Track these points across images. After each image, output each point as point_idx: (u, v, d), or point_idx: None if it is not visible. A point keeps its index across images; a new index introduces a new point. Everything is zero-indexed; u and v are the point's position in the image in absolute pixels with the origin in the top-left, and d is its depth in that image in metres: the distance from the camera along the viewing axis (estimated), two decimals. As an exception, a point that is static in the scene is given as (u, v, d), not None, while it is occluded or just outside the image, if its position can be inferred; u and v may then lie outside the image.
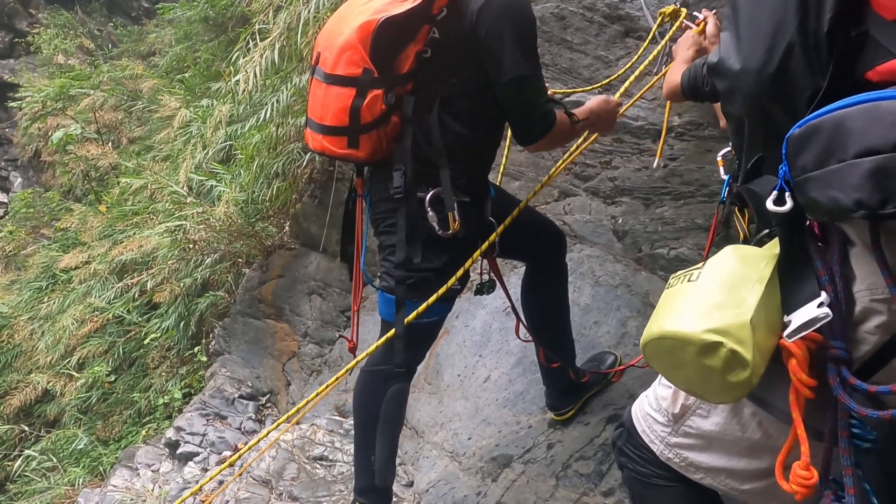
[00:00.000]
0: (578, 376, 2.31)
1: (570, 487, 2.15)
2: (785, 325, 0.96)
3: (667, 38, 2.31)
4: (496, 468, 2.37)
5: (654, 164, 2.50)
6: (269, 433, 2.54)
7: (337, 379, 2.07)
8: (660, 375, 1.30)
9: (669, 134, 2.62)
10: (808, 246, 0.98)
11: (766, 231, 1.08)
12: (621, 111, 2.34)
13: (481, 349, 2.91)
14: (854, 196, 0.84)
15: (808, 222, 0.98)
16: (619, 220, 2.77)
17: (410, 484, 2.70)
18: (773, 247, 1.02)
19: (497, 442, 2.48)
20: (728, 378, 0.96)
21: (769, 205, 0.96)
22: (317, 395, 2.11)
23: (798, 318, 0.94)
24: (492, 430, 2.54)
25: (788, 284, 0.98)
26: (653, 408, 1.26)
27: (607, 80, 2.57)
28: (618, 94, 2.56)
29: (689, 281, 1.03)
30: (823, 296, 0.93)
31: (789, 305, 0.96)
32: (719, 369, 0.96)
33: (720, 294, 0.98)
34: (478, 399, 2.72)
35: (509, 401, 2.61)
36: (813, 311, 0.93)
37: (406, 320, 1.92)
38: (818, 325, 0.93)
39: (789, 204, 0.95)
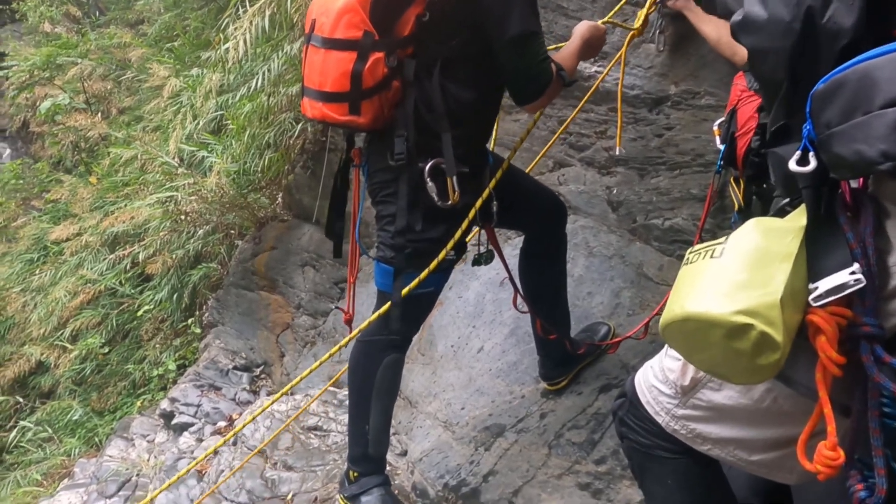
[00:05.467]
0: (574, 347, 2.32)
1: (563, 456, 2.16)
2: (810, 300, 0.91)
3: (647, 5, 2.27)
4: (489, 437, 2.39)
5: (617, 152, 2.48)
6: (268, 407, 2.55)
7: (338, 348, 2.06)
8: (666, 347, 1.28)
9: (665, 103, 2.59)
10: (837, 216, 0.93)
11: (788, 200, 1.03)
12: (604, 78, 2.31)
13: (475, 320, 2.91)
14: (880, 147, 0.80)
15: (838, 190, 0.94)
16: (614, 191, 2.75)
17: (404, 453, 2.72)
18: (797, 218, 0.97)
19: (490, 412, 2.49)
20: (757, 361, 0.92)
21: (791, 165, 0.92)
22: (319, 363, 2.08)
23: (826, 283, 0.89)
24: (485, 400, 2.55)
25: (815, 255, 0.93)
26: (658, 379, 1.24)
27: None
28: (610, 65, 2.53)
29: (711, 257, 0.97)
30: (855, 266, 0.89)
31: (815, 274, 0.92)
32: (748, 352, 0.91)
33: (747, 272, 0.93)
34: (471, 369, 2.72)
35: (502, 371, 2.62)
36: (844, 276, 0.88)
37: (403, 291, 1.91)
38: (847, 292, 0.88)
39: (813, 164, 0.91)
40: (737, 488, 1.46)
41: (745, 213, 2.10)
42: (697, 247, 1.03)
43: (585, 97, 2.57)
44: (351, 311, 2.27)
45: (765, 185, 1.94)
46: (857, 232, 0.91)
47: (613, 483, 2.01)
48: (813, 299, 0.90)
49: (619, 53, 2.40)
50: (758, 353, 0.91)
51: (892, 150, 0.80)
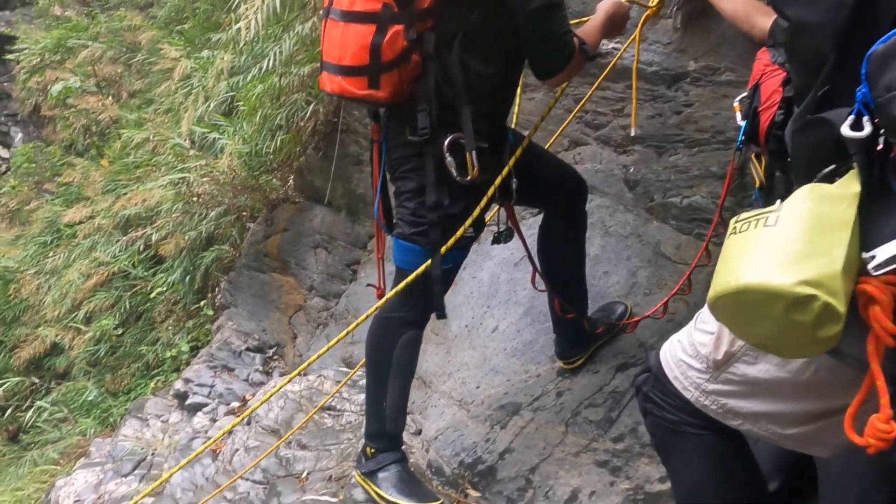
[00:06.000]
0: (593, 327, 2.31)
1: (580, 434, 2.16)
2: (862, 268, 0.89)
3: None
4: (505, 416, 2.39)
5: (633, 132, 2.45)
6: (282, 387, 2.56)
7: (355, 325, 2.06)
8: (696, 320, 1.26)
9: (684, 80, 2.55)
10: (889, 180, 0.90)
11: (833, 167, 0.99)
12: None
13: (489, 300, 2.90)
14: None
15: (891, 154, 0.90)
16: (631, 169, 2.72)
17: (419, 432, 2.72)
18: (850, 185, 0.93)
19: (506, 390, 2.49)
20: (817, 333, 0.88)
21: (845, 130, 0.89)
22: (336, 341, 2.09)
23: (886, 251, 0.86)
24: (500, 379, 2.55)
25: (868, 222, 0.90)
26: (688, 354, 1.22)
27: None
28: (627, 42, 2.49)
29: (764, 226, 0.93)
30: None
31: (869, 243, 0.89)
32: (809, 324, 0.87)
33: (806, 240, 0.89)
34: (486, 349, 2.72)
35: (517, 350, 2.61)
36: None
37: (420, 268, 1.90)
38: None
39: (868, 128, 0.88)
40: (760, 460, 1.45)
41: (767, 190, 2.07)
42: (745, 215, 0.98)
43: (602, 75, 2.54)
44: (382, 286, 2.26)
45: (789, 160, 1.90)
46: None
47: (632, 461, 2.00)
48: (873, 268, 0.87)
49: (635, 31, 2.37)
50: (819, 326, 0.87)
51: None
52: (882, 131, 0.89)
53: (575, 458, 2.10)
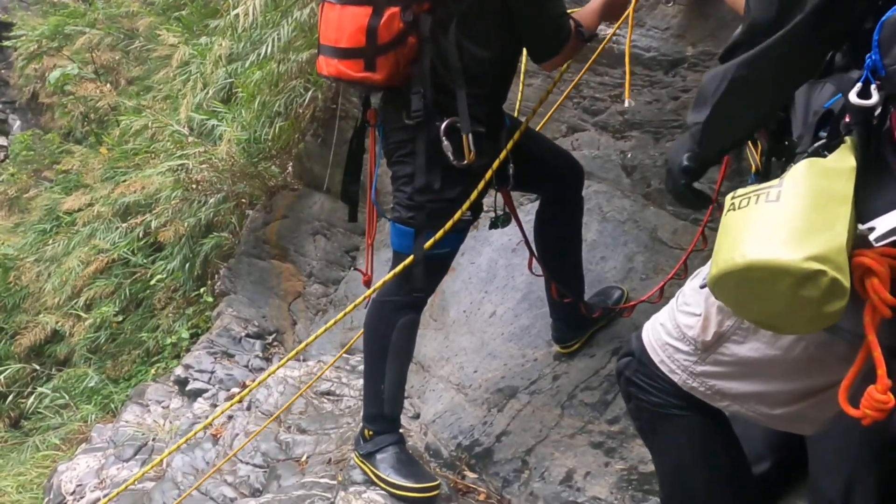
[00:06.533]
0: (589, 311, 2.33)
1: (576, 416, 2.18)
2: (859, 240, 0.89)
3: None
4: (502, 399, 2.41)
5: (626, 104, 2.44)
6: (276, 370, 2.58)
7: (352, 307, 2.08)
8: (676, 302, 1.26)
9: (682, 65, 2.55)
10: (884, 153, 0.89)
11: (823, 142, 0.98)
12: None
13: (487, 285, 2.91)
14: None
15: (886, 125, 0.90)
16: (629, 155, 2.73)
17: (417, 416, 2.75)
18: (844, 158, 0.92)
19: (503, 374, 2.51)
20: (823, 309, 0.87)
21: (852, 98, 0.88)
22: (325, 329, 2.13)
23: (884, 223, 0.86)
24: (497, 363, 2.57)
25: (863, 194, 0.89)
26: (673, 337, 1.21)
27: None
28: (618, 23, 2.49)
29: (766, 201, 0.91)
30: None
31: (865, 215, 0.89)
32: (816, 300, 0.86)
33: (811, 215, 0.87)
34: (483, 334, 2.74)
35: (515, 335, 2.63)
36: None
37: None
38: None
39: (875, 97, 0.87)
40: (752, 440, 1.47)
41: (763, 175, 2.08)
42: (742, 191, 0.96)
43: (593, 57, 2.53)
44: (370, 273, 2.28)
45: (787, 143, 1.91)
46: None
47: (626, 442, 2.02)
48: (875, 239, 0.87)
49: (627, 11, 2.37)
50: (826, 301, 0.87)
51: None
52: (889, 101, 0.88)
53: (570, 440, 2.12)
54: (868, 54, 0.87)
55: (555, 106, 2.72)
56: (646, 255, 2.58)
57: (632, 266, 2.59)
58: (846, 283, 0.85)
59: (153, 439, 3.92)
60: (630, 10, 2.35)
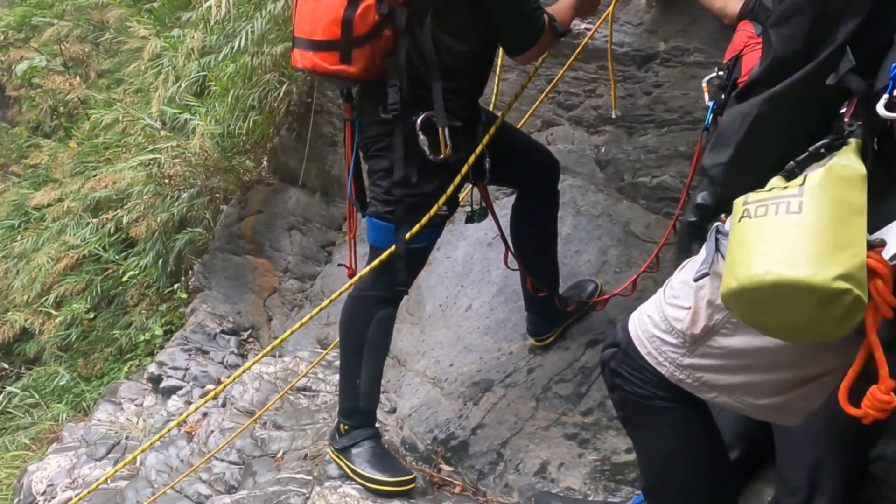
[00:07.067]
0: (564, 304, 2.34)
1: (550, 408, 2.20)
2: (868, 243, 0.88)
3: None
4: (478, 392, 2.42)
5: (613, 115, 2.49)
6: (253, 364, 2.56)
7: (328, 302, 2.07)
8: (663, 294, 1.25)
9: (654, 60, 2.58)
10: (891, 158, 0.89)
11: (825, 142, 0.96)
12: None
13: (463, 279, 2.92)
14: None
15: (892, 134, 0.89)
16: (602, 150, 2.76)
17: (393, 410, 2.75)
18: (853, 166, 0.90)
19: (478, 368, 2.52)
20: (844, 323, 0.87)
21: (880, 110, 0.86)
22: (301, 324, 2.12)
23: None
24: (473, 357, 2.58)
25: (870, 198, 0.88)
26: (661, 329, 1.21)
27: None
28: (599, 21, 2.51)
29: (787, 212, 0.88)
30: None
31: (873, 222, 0.88)
32: (838, 316, 0.86)
33: (835, 231, 0.85)
34: (459, 328, 2.75)
35: (491, 328, 2.64)
36: None
37: (394, 246, 1.92)
38: None
39: None
40: (723, 432, 1.49)
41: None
42: (756, 197, 0.93)
43: (574, 55, 2.56)
44: (354, 266, 2.27)
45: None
46: None
47: (600, 433, 2.05)
48: (889, 259, 0.87)
49: (607, 10, 2.39)
50: (847, 317, 0.86)
51: None
52: None
53: (545, 432, 2.14)
54: (894, 65, 0.85)
55: (535, 104, 2.74)
56: (619, 248, 2.61)
57: (606, 259, 2.61)
58: (866, 298, 0.85)
59: (126, 437, 3.87)
60: (611, 9, 2.37)
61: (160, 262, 4.96)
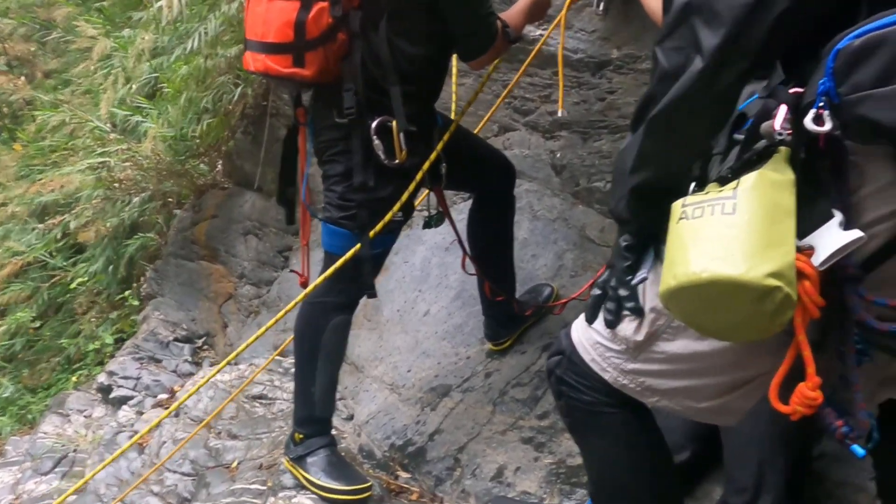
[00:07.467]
0: (521, 309, 2.36)
1: (507, 412, 2.21)
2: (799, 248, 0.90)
3: None
4: (435, 398, 2.42)
5: (560, 114, 2.51)
6: (213, 376, 2.50)
7: (284, 313, 2.04)
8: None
9: (607, 67, 2.62)
10: (817, 167, 0.92)
11: (757, 150, 0.98)
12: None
13: (421, 284, 2.91)
14: None
15: (819, 143, 0.91)
16: (558, 155, 2.78)
17: (351, 417, 2.73)
18: (784, 171, 0.93)
19: (436, 373, 2.52)
20: (774, 320, 0.89)
21: (808, 124, 0.88)
22: (261, 333, 2.07)
23: (824, 244, 0.88)
24: (431, 362, 2.58)
25: (801, 208, 0.91)
26: (604, 336, 1.22)
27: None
28: (552, 26, 2.54)
29: (722, 213, 0.91)
30: (839, 216, 0.89)
31: (802, 228, 0.90)
32: (769, 313, 0.89)
33: (767, 230, 0.88)
34: (417, 333, 2.74)
35: (448, 333, 2.64)
36: (842, 235, 0.87)
37: (349, 252, 1.90)
38: (851, 249, 0.87)
39: (829, 124, 0.87)
40: (671, 432, 1.52)
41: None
42: (692, 200, 0.96)
43: (528, 60, 2.58)
44: (306, 274, 2.24)
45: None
46: (834, 177, 0.91)
47: (555, 436, 2.06)
48: (818, 265, 0.89)
49: (559, 16, 2.42)
50: (778, 314, 0.89)
51: None
52: (837, 127, 0.88)
53: (502, 436, 2.15)
54: (821, 80, 0.88)
55: (492, 109, 2.75)
56: (575, 252, 2.64)
57: (562, 263, 2.64)
58: (795, 296, 0.88)
59: (74, 450, 3.74)
60: (562, 14, 2.40)
61: (111, 268, 4.82)
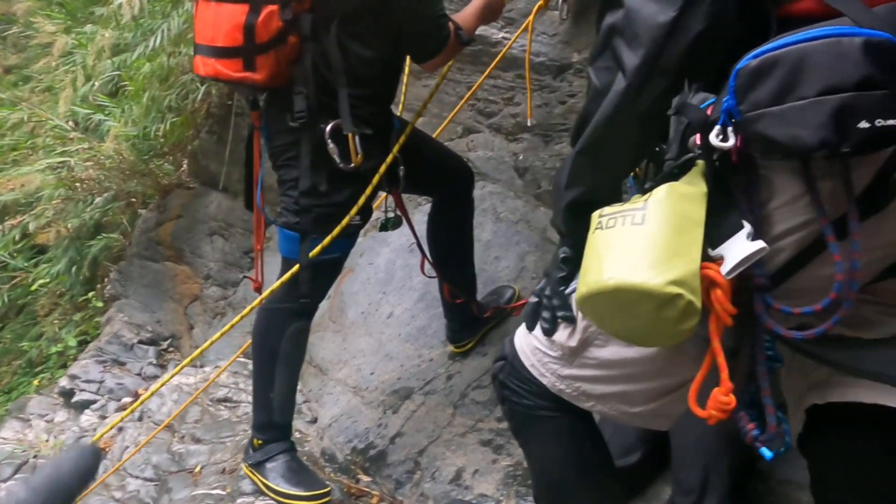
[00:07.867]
0: (481, 311, 2.37)
1: (467, 415, 2.22)
2: (705, 256, 0.94)
3: None
4: (397, 400, 2.42)
5: (528, 123, 2.54)
6: (172, 377, 2.48)
7: (240, 317, 2.03)
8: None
9: (568, 70, 2.64)
10: (727, 179, 0.95)
11: (677, 163, 1.01)
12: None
13: (385, 286, 2.91)
14: (820, 135, 0.82)
15: (730, 158, 0.94)
16: (520, 157, 2.80)
17: (314, 420, 2.72)
18: (696, 183, 0.97)
19: (399, 375, 2.52)
20: (679, 327, 0.93)
21: (713, 140, 0.92)
22: (221, 334, 2.06)
23: (732, 254, 0.92)
24: (394, 365, 2.58)
25: (711, 218, 0.95)
26: (542, 343, 1.25)
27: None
28: (519, 31, 2.56)
29: (632, 224, 0.95)
30: (748, 227, 0.92)
31: (714, 239, 0.94)
32: (674, 320, 0.92)
33: (671, 240, 0.92)
34: (381, 335, 2.74)
35: (412, 335, 2.64)
36: (748, 245, 0.91)
37: (309, 255, 1.89)
38: (756, 259, 0.91)
39: (732, 140, 0.91)
40: (624, 433, 1.54)
41: (638, 179, 2.20)
42: (608, 210, 1.00)
43: (493, 63, 2.59)
44: (260, 280, 2.23)
45: (658, 149, 2.02)
46: (744, 189, 0.95)
47: (513, 438, 2.07)
48: (726, 274, 0.92)
49: (526, 21, 2.43)
50: (681, 321, 0.92)
51: (831, 138, 0.82)
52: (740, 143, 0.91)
53: (461, 439, 2.16)
54: (725, 98, 0.91)
55: (454, 110, 2.76)
56: (537, 254, 2.66)
57: (524, 265, 2.66)
58: (699, 304, 0.91)
59: (35, 456, 3.67)
60: (530, 19, 2.41)
61: (73, 269, 4.73)
